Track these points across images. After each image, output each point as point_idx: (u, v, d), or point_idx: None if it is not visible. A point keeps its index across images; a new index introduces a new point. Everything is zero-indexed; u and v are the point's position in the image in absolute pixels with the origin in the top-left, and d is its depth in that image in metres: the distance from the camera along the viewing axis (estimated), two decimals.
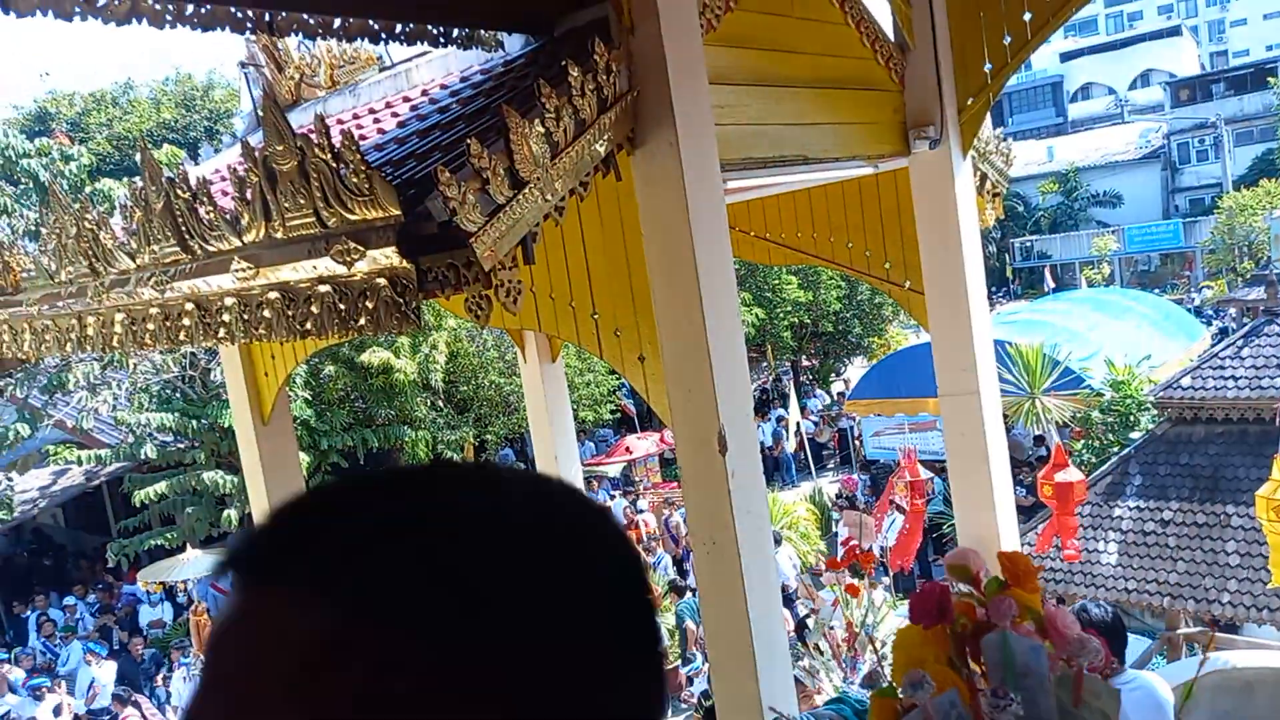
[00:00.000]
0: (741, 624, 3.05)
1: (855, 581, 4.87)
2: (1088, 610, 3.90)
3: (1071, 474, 4.97)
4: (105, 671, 11.00)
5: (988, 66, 4.07)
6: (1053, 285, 31.06)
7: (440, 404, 15.95)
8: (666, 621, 10.52)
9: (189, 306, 3.01)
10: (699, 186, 2.89)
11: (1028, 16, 3.91)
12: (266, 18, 3.03)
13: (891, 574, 10.48)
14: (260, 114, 4.87)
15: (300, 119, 4.48)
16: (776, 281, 20.21)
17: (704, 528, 3.12)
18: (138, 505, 13.12)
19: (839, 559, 5.49)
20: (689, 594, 10.52)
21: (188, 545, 12.14)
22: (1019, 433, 13.36)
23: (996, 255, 36.08)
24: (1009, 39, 4.05)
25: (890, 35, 4.05)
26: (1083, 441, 11.54)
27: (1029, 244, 38.61)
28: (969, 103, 4.16)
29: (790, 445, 17.58)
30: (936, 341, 4.44)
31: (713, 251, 2.95)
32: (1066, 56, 48.02)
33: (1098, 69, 47.38)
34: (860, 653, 4.78)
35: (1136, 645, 9.21)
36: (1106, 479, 7.69)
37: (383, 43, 3.61)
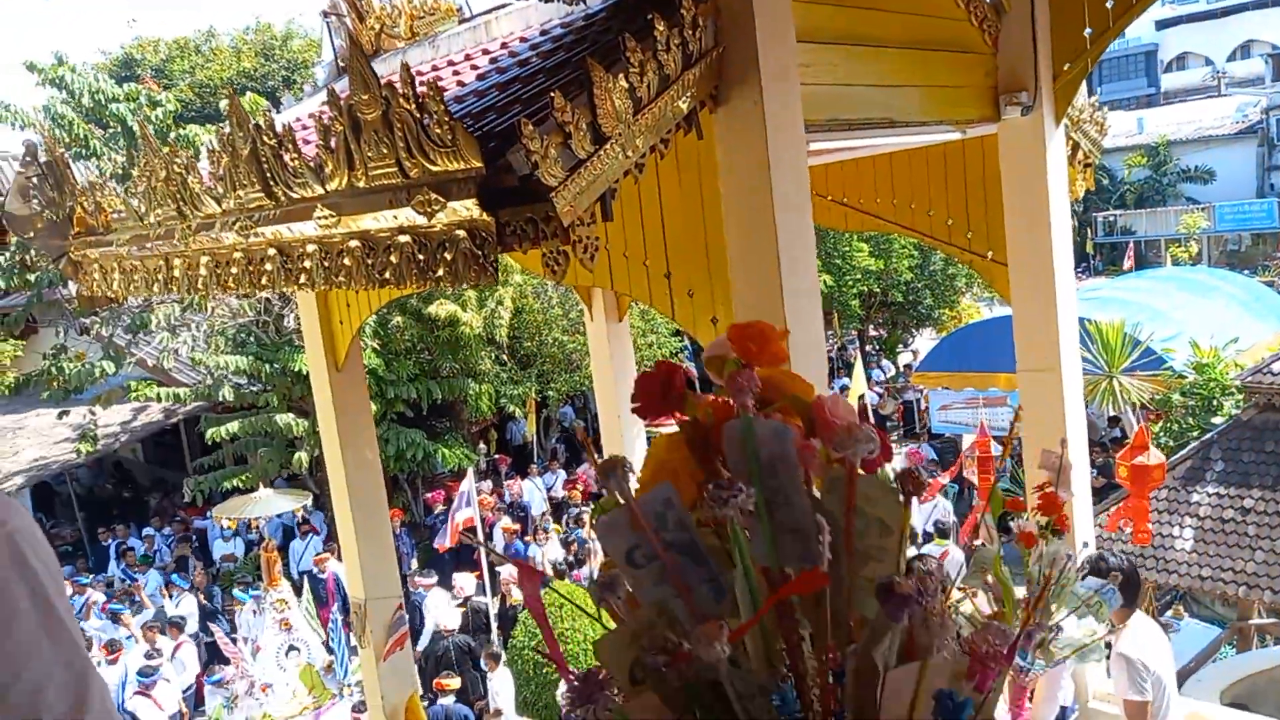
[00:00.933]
0: None
1: (1034, 528, 4.59)
2: (1105, 559, 4.02)
3: (1152, 456, 4.81)
4: (184, 605, 11.43)
5: (1088, 31, 3.88)
6: (1131, 263, 29.95)
7: (504, 359, 16.12)
8: None
9: (271, 252, 3.06)
10: (782, 147, 2.82)
11: None
12: None
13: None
14: (344, 63, 4.91)
15: (380, 69, 4.49)
16: (847, 248, 19.87)
17: None
18: (212, 444, 13.57)
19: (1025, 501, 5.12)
20: None
21: (260, 485, 12.54)
22: (1093, 412, 12.99)
23: (1078, 229, 34.87)
24: (1111, 2, 3.86)
25: None
26: (1160, 424, 11.18)
27: (1113, 218, 37.26)
28: (1065, 68, 3.98)
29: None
30: (1018, 315, 4.31)
31: (793, 214, 2.88)
32: (1163, 24, 45.84)
33: (1195, 38, 45.16)
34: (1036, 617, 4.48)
35: (1206, 634, 8.98)
36: (1186, 463, 7.45)
37: None
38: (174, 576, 12.27)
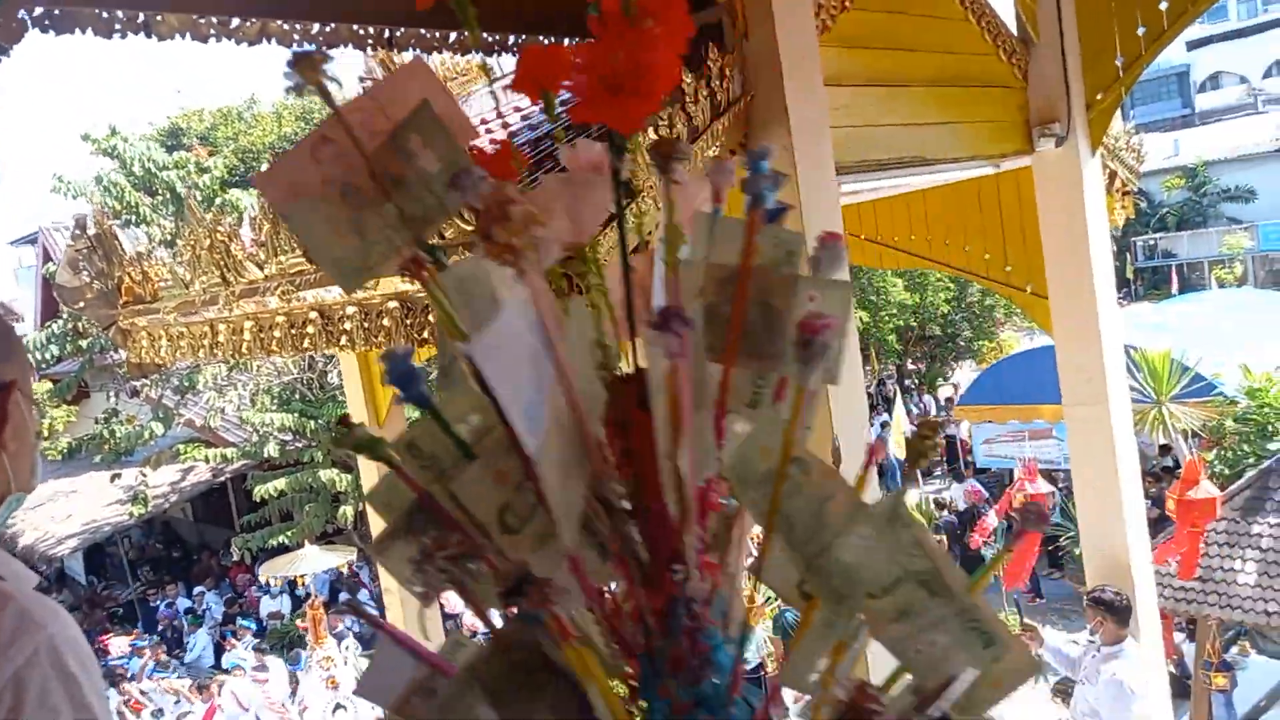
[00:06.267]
0: None
1: None
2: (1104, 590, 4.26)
3: (1203, 490, 4.67)
4: (274, 678, 10.10)
5: (1119, 60, 3.86)
6: (1177, 286, 29.44)
7: None
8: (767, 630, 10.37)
9: (313, 315, 3.11)
10: (814, 191, 2.82)
11: (1164, 5, 3.70)
12: (386, 34, 3.11)
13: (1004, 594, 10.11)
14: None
15: None
16: (881, 284, 19.77)
17: None
18: (259, 501, 13.72)
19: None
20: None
21: (305, 542, 12.62)
22: (1144, 442, 12.68)
23: (1117, 255, 34.28)
24: (1143, 30, 3.84)
25: (1014, 30, 3.89)
26: (1215, 451, 10.88)
27: (1153, 242, 36.71)
28: (1098, 98, 3.96)
29: (900, 452, 17.06)
30: (1061, 348, 4.24)
31: None
32: (1194, 44, 45.43)
33: (1228, 57, 44.66)
34: None
35: (1277, 671, 8.62)
36: (1245, 493, 7.20)
37: (495, 55, 3.66)
38: (226, 633, 12.35)
